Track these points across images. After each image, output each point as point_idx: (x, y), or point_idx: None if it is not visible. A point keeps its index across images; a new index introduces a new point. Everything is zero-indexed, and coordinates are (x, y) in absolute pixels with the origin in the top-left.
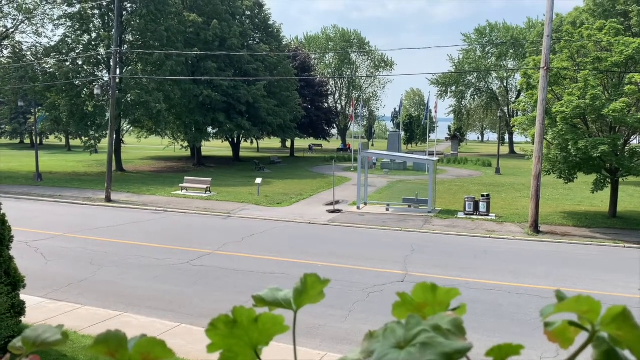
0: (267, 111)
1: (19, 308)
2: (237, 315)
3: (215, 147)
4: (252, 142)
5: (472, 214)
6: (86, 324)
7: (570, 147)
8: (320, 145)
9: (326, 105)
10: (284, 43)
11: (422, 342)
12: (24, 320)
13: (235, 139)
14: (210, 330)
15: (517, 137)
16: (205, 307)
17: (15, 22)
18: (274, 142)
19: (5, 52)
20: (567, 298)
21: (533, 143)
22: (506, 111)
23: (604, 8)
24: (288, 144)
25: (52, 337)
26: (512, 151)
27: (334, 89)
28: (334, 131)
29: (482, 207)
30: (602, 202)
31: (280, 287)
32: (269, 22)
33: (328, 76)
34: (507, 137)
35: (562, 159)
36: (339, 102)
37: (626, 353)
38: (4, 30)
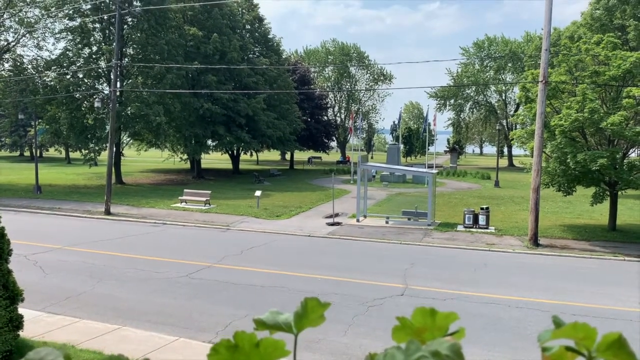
0: (267, 124)
1: (17, 322)
2: (238, 340)
3: (214, 159)
4: (251, 155)
5: (472, 227)
6: (84, 337)
7: (569, 160)
8: (320, 157)
9: (325, 118)
10: (283, 56)
11: None
12: (22, 334)
13: (235, 151)
14: (212, 355)
15: (515, 150)
16: (204, 320)
17: (16, 35)
18: (273, 155)
19: (6, 65)
20: (564, 324)
21: (532, 156)
22: (505, 124)
23: (601, 22)
24: (287, 156)
25: None
26: (510, 164)
27: (334, 102)
28: (334, 144)
29: (482, 220)
30: (601, 215)
31: (280, 311)
32: (269, 36)
33: (327, 89)
34: (505, 150)
35: (561, 171)
36: (338, 115)
37: None
38: (6, 43)
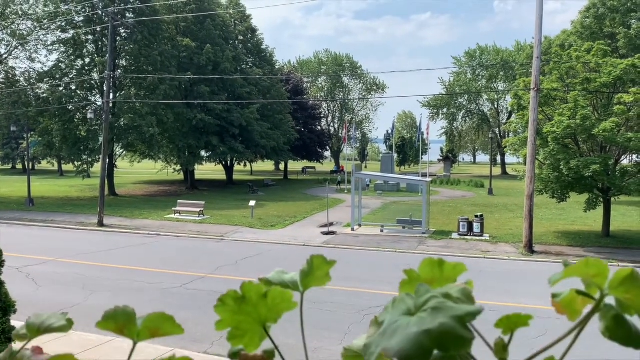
0: (261, 134)
1: (9, 334)
2: (245, 291)
3: (208, 170)
4: (245, 165)
5: (466, 235)
6: (78, 349)
7: (562, 166)
8: (314, 167)
9: (319, 127)
10: (276, 67)
11: (433, 307)
12: (14, 346)
13: (229, 162)
14: (219, 306)
15: (509, 158)
16: (198, 331)
17: (8, 47)
18: (267, 165)
19: None
20: (574, 263)
21: (525, 163)
22: (497, 132)
23: (591, 30)
24: (282, 166)
25: (56, 323)
26: (504, 172)
27: (327, 112)
28: (327, 153)
29: (476, 227)
30: (595, 222)
31: (285, 270)
32: (262, 47)
33: (321, 99)
34: (499, 158)
35: (554, 178)
36: (332, 124)
37: (635, 320)
38: None
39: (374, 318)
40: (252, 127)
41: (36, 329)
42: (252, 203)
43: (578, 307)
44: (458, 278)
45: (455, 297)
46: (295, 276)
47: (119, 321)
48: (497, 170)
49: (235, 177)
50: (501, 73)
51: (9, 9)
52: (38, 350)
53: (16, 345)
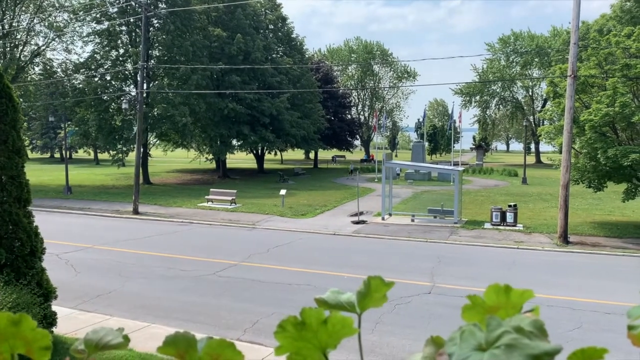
0: (291, 123)
1: (51, 319)
2: (305, 317)
3: (239, 159)
4: (275, 154)
5: (499, 225)
6: None
7: (599, 155)
8: (344, 156)
9: (349, 116)
10: (306, 56)
11: (507, 344)
12: (56, 330)
13: (260, 151)
14: (278, 332)
15: (543, 147)
16: (231, 318)
17: (46, 39)
18: (297, 154)
19: (36, 69)
20: None
21: (560, 152)
22: (532, 120)
23: (631, 15)
24: (311, 155)
25: (114, 340)
26: (538, 161)
27: (357, 100)
28: (357, 142)
29: (509, 217)
30: (633, 212)
31: (341, 290)
32: (292, 35)
33: (351, 87)
34: (533, 146)
35: (591, 167)
36: (362, 113)
37: None
38: (36, 47)
39: (430, 338)
40: (282, 116)
41: (94, 346)
42: (283, 192)
43: None
44: (524, 304)
45: (527, 331)
46: (352, 297)
47: (180, 347)
48: (531, 159)
49: (266, 165)
50: (536, 59)
51: (46, 1)
52: None
53: None
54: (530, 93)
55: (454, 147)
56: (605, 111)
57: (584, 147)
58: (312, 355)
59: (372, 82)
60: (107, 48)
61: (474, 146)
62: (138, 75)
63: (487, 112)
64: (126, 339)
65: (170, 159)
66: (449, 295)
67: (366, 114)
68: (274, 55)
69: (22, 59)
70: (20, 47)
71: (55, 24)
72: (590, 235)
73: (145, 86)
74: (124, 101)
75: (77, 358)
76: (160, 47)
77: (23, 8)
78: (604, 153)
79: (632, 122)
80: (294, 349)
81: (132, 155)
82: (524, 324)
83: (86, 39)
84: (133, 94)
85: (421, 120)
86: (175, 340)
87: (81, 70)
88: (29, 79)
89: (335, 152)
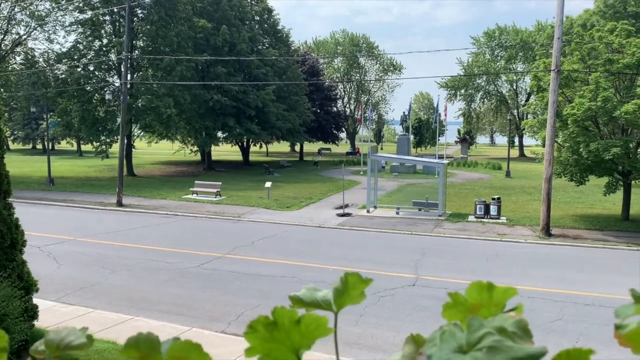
0: (277, 115)
1: (32, 312)
2: (277, 317)
3: (225, 151)
4: (261, 147)
5: (483, 217)
6: (98, 327)
7: (581, 149)
8: (329, 149)
9: (335, 109)
10: (292, 48)
11: (489, 346)
12: (37, 324)
13: (245, 143)
14: (249, 333)
15: (527, 140)
16: (216, 310)
17: (27, 28)
18: (283, 146)
19: (17, 58)
20: None
21: (544, 146)
22: (516, 114)
23: (614, 10)
24: (297, 148)
25: (76, 341)
26: (522, 154)
27: (343, 93)
28: (343, 135)
29: (493, 210)
30: (614, 205)
31: (317, 287)
32: (278, 27)
33: (337, 80)
34: (517, 140)
35: (573, 161)
36: (347, 106)
37: None
38: (17, 37)
39: (410, 336)
40: (268, 109)
41: (55, 346)
42: (268, 184)
43: None
44: (507, 302)
45: (511, 332)
46: (329, 294)
47: (142, 349)
48: (514, 153)
49: (251, 158)
50: (520, 54)
51: None
52: None
53: None
54: (515, 87)
55: (439, 140)
56: (587, 105)
57: (567, 140)
58: (284, 357)
59: (358, 75)
60: (90, 38)
61: (458, 139)
62: (122, 66)
63: (472, 106)
64: (90, 339)
65: (154, 151)
66: (433, 287)
67: (352, 107)
68: (259, 47)
69: (3, 48)
70: (1, 36)
71: (37, 12)
72: (572, 228)
73: (129, 77)
74: (107, 92)
75: (39, 358)
76: (144, 38)
77: None
78: (586, 147)
79: (613, 116)
80: (265, 351)
81: (115, 147)
82: (507, 324)
83: (69, 28)
84: (117, 84)
85: (407, 113)
86: (138, 342)
87: (64, 61)
88: (10, 68)
89: (321, 144)
